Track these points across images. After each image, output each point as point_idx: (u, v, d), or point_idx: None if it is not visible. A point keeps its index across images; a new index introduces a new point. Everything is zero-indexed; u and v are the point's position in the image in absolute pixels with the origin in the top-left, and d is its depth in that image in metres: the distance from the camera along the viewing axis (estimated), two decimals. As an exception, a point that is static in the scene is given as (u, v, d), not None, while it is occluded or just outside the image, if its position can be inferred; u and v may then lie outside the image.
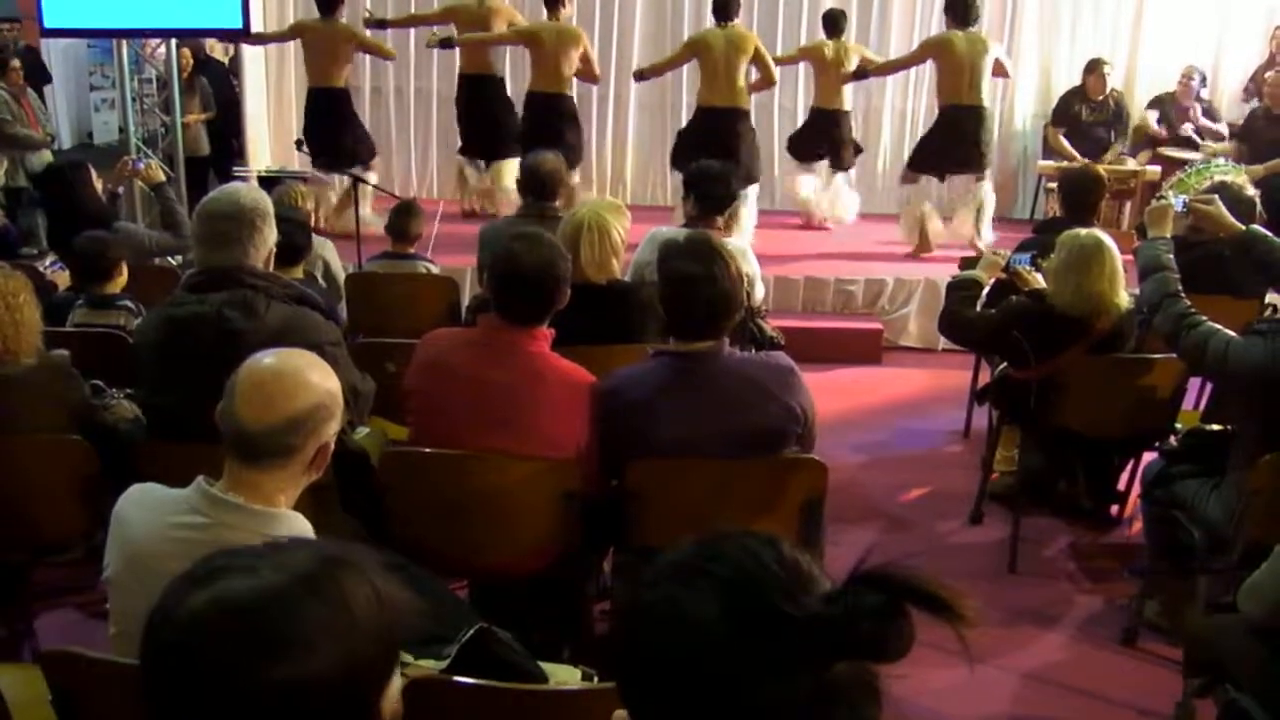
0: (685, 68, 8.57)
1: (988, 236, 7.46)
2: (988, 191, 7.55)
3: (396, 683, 1.19)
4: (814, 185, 8.43)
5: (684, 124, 8.87)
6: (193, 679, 1.07)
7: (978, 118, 7.32)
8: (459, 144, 8.32)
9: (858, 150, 8.38)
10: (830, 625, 0.98)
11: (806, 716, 1.00)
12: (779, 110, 9.19)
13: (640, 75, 8.07)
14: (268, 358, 1.89)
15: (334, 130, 7.70)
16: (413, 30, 8.96)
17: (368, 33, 7.94)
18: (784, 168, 9.08)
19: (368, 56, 9.13)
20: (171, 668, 1.08)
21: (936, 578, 0.99)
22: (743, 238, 7.27)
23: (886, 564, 1.00)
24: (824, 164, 8.38)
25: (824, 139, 8.18)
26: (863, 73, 7.95)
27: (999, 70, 7.49)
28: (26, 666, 2.40)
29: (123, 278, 4.19)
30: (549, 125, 7.49)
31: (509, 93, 8.23)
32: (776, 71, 7.62)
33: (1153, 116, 8.43)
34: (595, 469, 2.84)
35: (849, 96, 8.11)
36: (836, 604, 0.99)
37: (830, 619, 0.98)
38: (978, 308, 4.27)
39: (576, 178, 7.65)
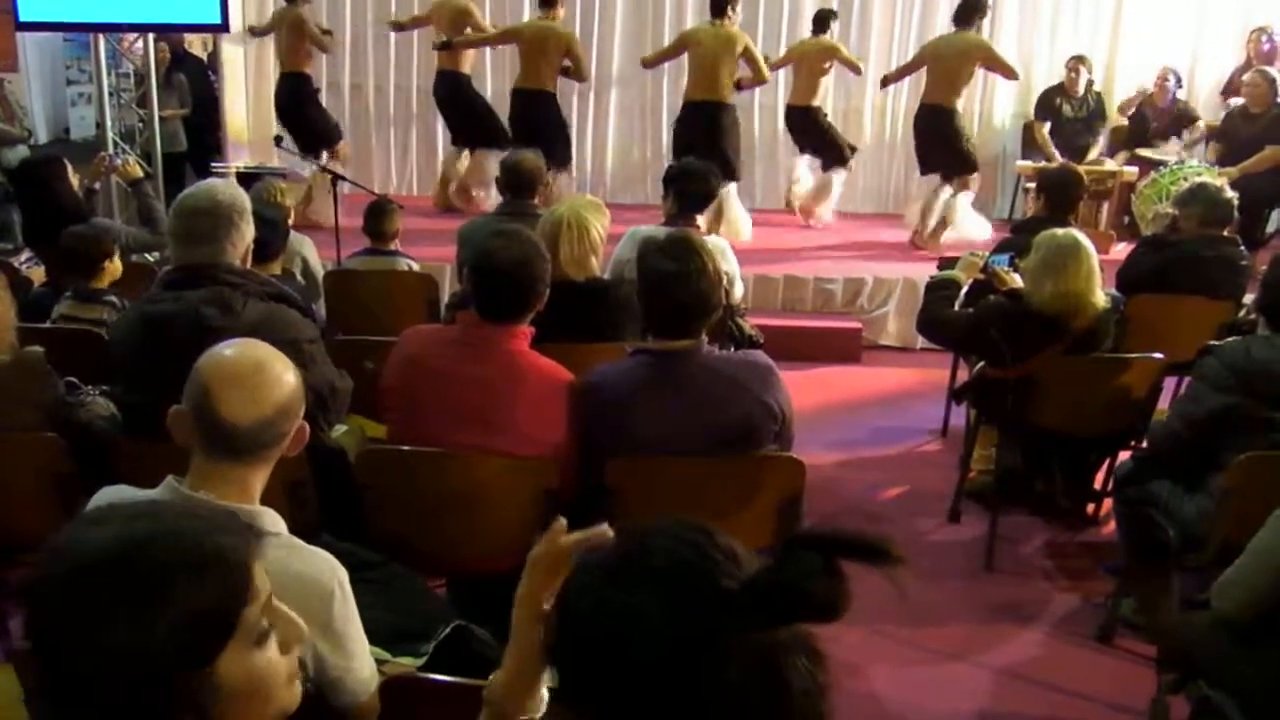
0: (665, 68, 8.73)
1: (973, 235, 7.54)
2: (947, 197, 7.65)
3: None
4: (803, 173, 8.50)
5: (664, 124, 9.05)
6: (52, 645, 1.07)
7: (934, 115, 7.49)
8: (446, 138, 8.50)
9: (851, 149, 8.33)
10: (776, 588, 1.00)
11: (763, 681, 1.01)
12: (759, 108, 9.20)
13: (646, 64, 8.13)
14: (229, 352, 1.85)
15: (294, 115, 8.04)
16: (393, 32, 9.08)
17: (312, 25, 8.04)
18: (763, 165, 9.15)
19: (348, 51, 9.19)
20: (36, 637, 1.08)
21: (861, 528, 1.02)
22: (740, 234, 7.37)
23: (814, 526, 1.03)
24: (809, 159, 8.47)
25: (798, 136, 8.27)
26: (884, 81, 8.11)
27: (998, 69, 7.55)
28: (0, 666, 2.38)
29: (115, 270, 4.15)
30: (528, 122, 7.62)
31: (488, 91, 8.38)
32: (768, 71, 7.64)
33: (1129, 106, 8.53)
34: (573, 466, 2.84)
35: (822, 93, 8.14)
36: (780, 569, 1.01)
37: (776, 583, 1.00)
38: (955, 308, 4.29)
39: (563, 180, 7.63)
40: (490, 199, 7.99)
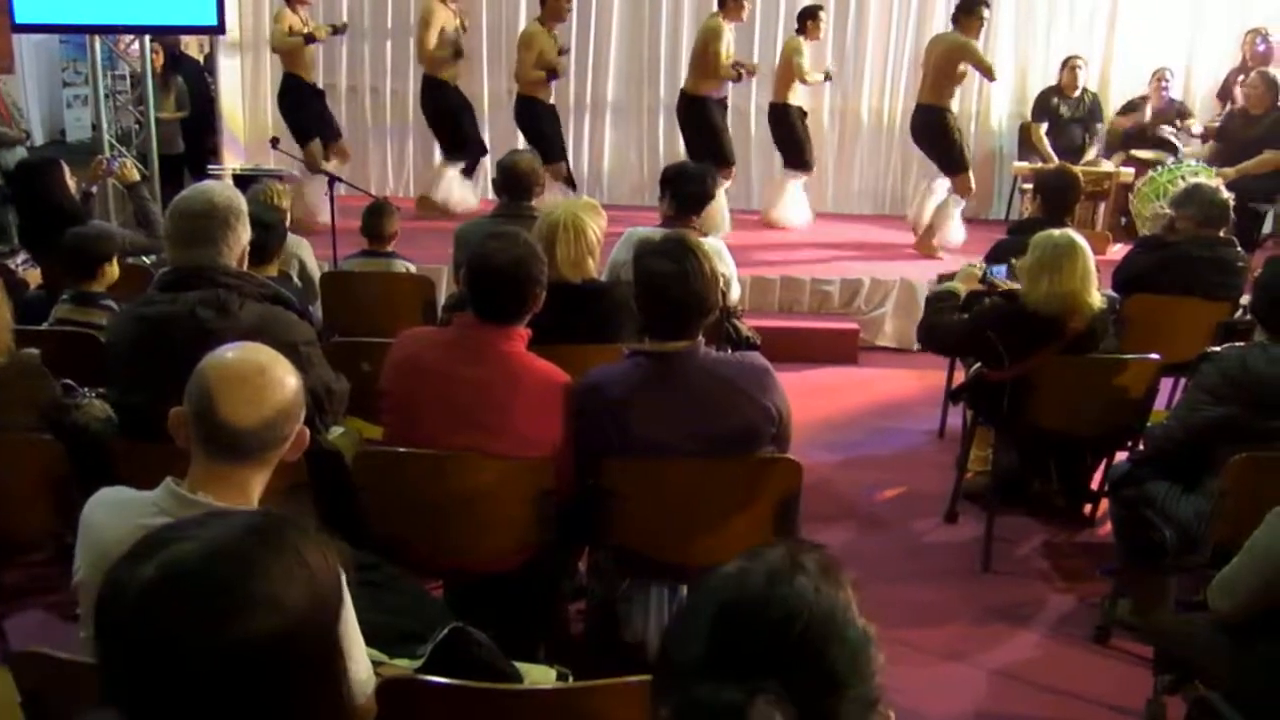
0: (662, 69, 8.99)
1: (951, 239, 7.56)
2: (939, 193, 7.67)
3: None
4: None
5: (661, 125, 9.19)
6: (152, 650, 1.05)
7: (918, 115, 7.59)
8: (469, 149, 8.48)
9: (797, 149, 8.19)
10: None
11: None
12: (755, 109, 9.19)
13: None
14: (231, 354, 1.86)
15: (283, 113, 8.07)
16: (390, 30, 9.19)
17: (284, 27, 7.86)
18: (761, 166, 9.13)
19: (344, 55, 9.18)
20: (129, 642, 1.07)
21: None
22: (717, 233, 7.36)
23: None
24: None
25: (772, 130, 8.31)
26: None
27: (978, 69, 7.57)
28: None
29: (112, 274, 4.14)
30: (517, 123, 7.96)
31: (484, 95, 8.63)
32: (726, 68, 7.63)
33: (1126, 121, 8.50)
34: (570, 468, 2.84)
35: (801, 92, 8.13)
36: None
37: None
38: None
39: (555, 191, 7.57)
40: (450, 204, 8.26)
